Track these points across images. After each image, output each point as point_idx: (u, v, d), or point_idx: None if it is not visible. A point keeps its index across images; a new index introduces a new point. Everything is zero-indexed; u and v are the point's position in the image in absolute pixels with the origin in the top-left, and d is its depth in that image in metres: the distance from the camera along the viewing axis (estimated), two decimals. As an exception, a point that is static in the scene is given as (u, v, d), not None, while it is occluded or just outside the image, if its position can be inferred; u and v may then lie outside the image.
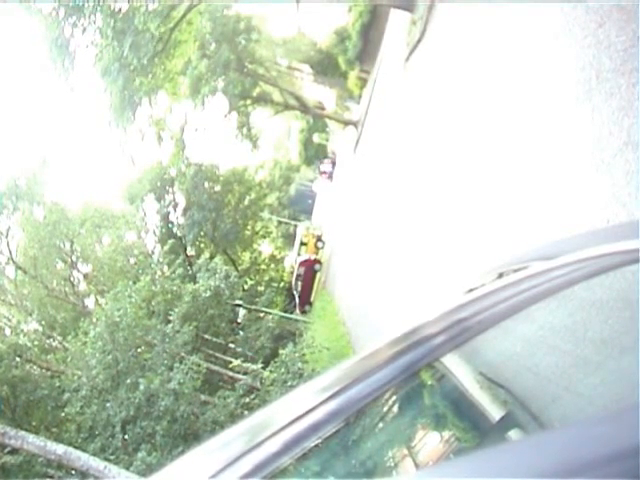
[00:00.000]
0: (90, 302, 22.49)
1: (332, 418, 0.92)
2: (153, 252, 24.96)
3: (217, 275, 16.30)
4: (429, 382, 1.36)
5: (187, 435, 11.18)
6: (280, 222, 32.84)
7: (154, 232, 25.10)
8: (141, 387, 11.22)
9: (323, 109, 26.28)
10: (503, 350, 1.45)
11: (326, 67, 25.45)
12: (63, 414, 12.85)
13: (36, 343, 16.46)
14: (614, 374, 1.10)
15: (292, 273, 24.15)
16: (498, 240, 4.96)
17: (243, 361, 13.58)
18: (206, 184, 23.31)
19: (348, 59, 22.23)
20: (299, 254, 24.85)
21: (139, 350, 12.98)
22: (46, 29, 17.53)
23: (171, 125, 24.05)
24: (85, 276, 23.35)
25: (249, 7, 21.14)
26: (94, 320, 14.00)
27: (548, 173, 4.20)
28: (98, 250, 24.55)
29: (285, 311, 22.66)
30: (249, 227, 26.41)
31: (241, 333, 18.75)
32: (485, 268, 1.64)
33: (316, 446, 0.95)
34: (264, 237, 28.94)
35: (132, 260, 24.11)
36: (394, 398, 1.34)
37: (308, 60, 26.12)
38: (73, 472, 10.68)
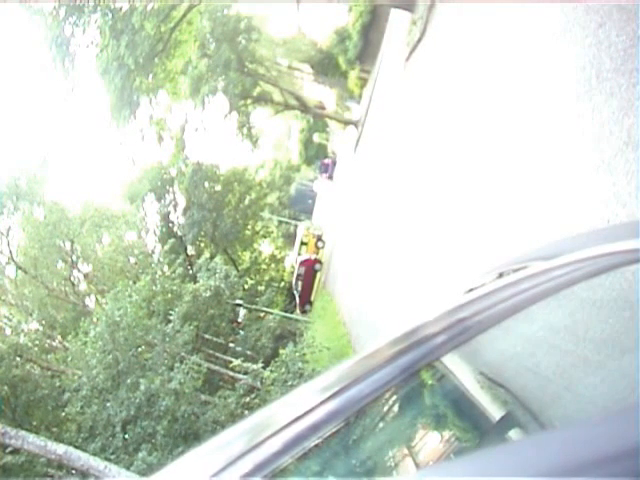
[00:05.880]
0: (90, 302, 22.53)
1: (332, 418, 0.92)
2: (153, 252, 24.97)
3: (217, 275, 16.29)
4: (429, 382, 1.36)
5: (188, 435, 11.18)
6: (280, 222, 32.86)
7: (154, 232, 25.11)
8: (141, 387, 11.22)
9: (323, 109, 26.26)
10: (503, 350, 1.45)
11: (326, 67, 25.43)
12: (63, 414, 12.85)
13: (36, 343, 16.48)
14: (614, 374, 1.11)
15: (292, 273, 24.15)
16: (498, 240, 4.95)
17: (243, 361, 13.57)
18: (206, 184, 23.31)
19: (348, 59, 22.22)
20: (299, 254, 24.86)
21: (139, 350, 12.97)
22: (47, 28, 17.54)
23: (171, 125, 24.07)
24: (85, 276, 23.36)
25: (249, 7, 21.15)
26: (94, 320, 14.00)
27: (548, 173, 4.20)
28: (98, 250, 24.57)
29: (285, 311, 22.66)
30: (249, 227, 26.40)
31: (241, 333, 18.75)
32: (485, 268, 1.64)
33: (316, 446, 0.95)
34: (264, 237, 28.92)
35: (132, 260, 24.13)
36: (394, 398, 1.34)
37: (308, 60, 26.09)
38: (73, 472, 10.68)
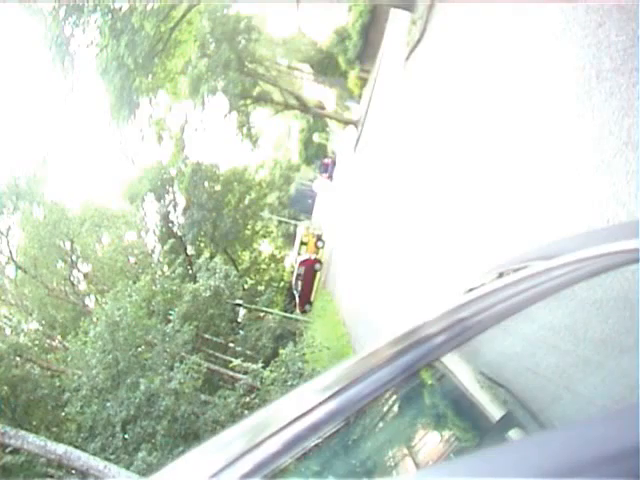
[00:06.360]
0: (90, 302, 22.51)
1: (332, 418, 0.92)
2: (153, 252, 24.99)
3: (217, 275, 16.30)
4: (429, 382, 1.36)
5: (187, 435, 11.18)
6: (280, 222, 32.85)
7: (154, 231, 25.12)
8: (141, 387, 11.22)
9: (323, 109, 26.27)
10: (503, 350, 1.45)
11: (326, 67, 25.44)
12: (63, 414, 12.86)
13: (36, 343, 16.49)
14: (614, 374, 1.11)
15: (292, 273, 24.15)
16: (498, 240, 4.95)
17: (243, 360, 13.58)
18: (206, 183, 23.33)
19: (348, 59, 22.21)
20: (299, 254, 24.86)
21: (139, 350, 12.97)
22: (46, 28, 17.53)
23: (171, 125, 24.08)
24: (85, 276, 23.36)
25: (249, 7, 21.16)
26: (94, 320, 13.99)
27: (548, 173, 4.20)
28: (98, 250, 24.57)
29: (285, 311, 22.67)
30: (249, 226, 26.41)
31: (241, 332, 18.76)
32: (485, 268, 1.64)
33: (316, 446, 0.95)
34: (264, 237, 28.94)
35: (132, 259, 24.14)
36: (394, 398, 1.34)
37: (308, 60, 26.11)
38: (73, 472, 10.68)
